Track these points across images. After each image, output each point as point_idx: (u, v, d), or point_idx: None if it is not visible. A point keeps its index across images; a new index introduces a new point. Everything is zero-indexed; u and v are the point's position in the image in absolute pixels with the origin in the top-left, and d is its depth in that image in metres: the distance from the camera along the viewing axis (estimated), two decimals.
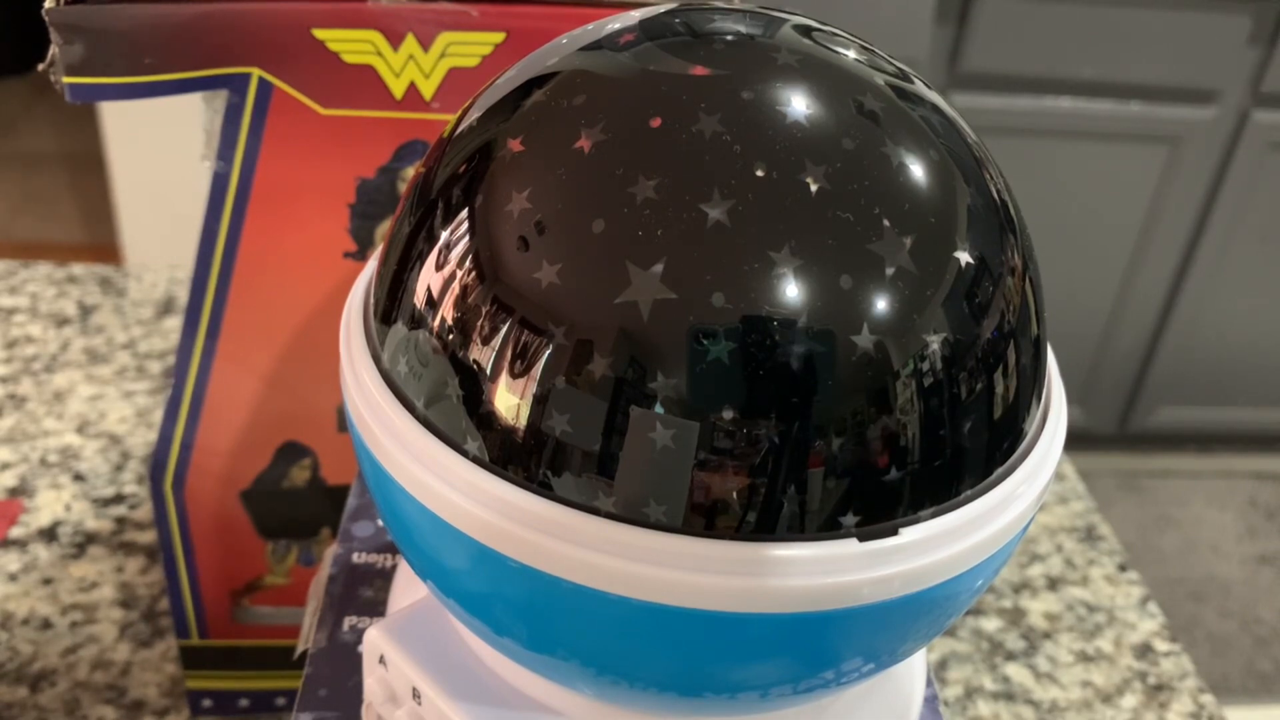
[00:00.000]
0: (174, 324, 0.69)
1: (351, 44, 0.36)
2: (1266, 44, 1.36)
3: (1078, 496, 0.61)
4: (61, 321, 0.68)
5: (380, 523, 0.37)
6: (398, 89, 0.37)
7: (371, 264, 0.27)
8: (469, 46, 0.36)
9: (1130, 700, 0.49)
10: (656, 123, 0.21)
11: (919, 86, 0.24)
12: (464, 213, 0.23)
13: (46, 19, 0.34)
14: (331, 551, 0.36)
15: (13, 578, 0.51)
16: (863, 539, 0.21)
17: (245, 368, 0.40)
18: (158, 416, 0.61)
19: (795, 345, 0.20)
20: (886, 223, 0.21)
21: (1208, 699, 0.50)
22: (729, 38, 0.23)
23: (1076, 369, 1.57)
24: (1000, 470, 0.23)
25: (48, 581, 0.51)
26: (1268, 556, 1.52)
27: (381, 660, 0.28)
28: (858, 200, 0.21)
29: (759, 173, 0.21)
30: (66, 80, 0.35)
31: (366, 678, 0.29)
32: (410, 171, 0.38)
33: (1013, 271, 0.23)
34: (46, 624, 0.49)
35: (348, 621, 0.34)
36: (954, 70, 1.34)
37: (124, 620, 0.49)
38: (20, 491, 0.55)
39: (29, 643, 0.48)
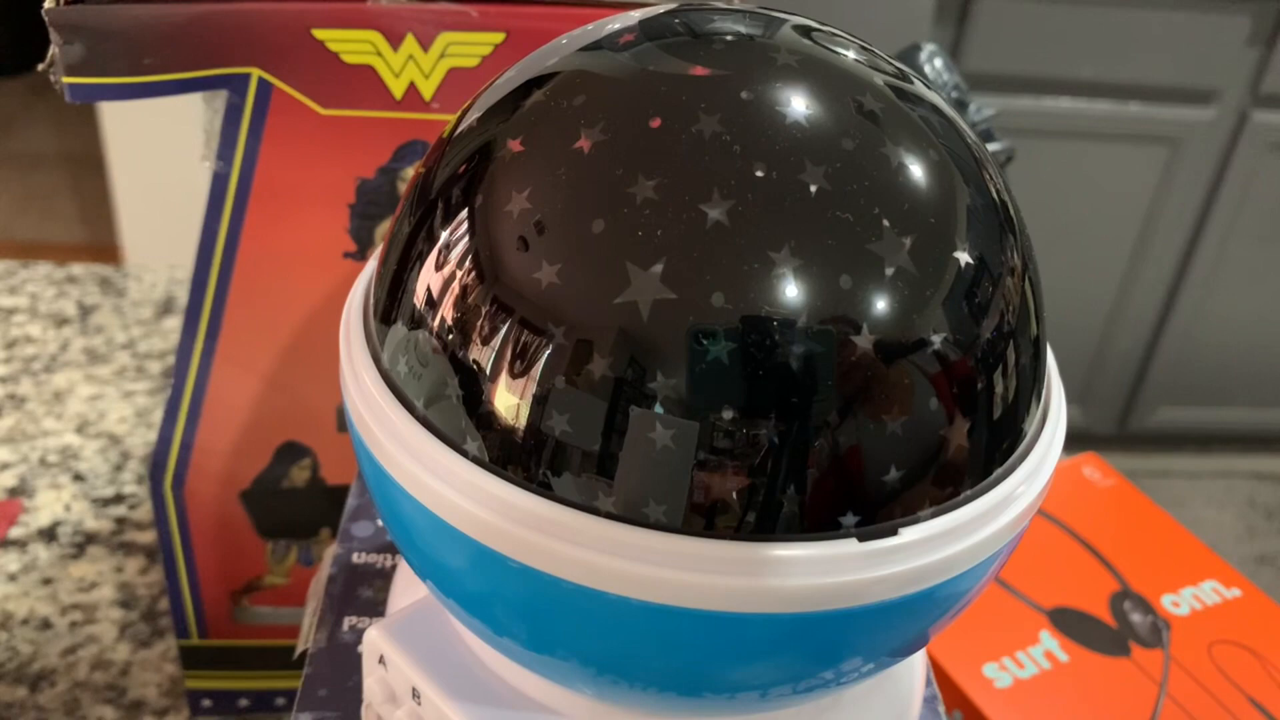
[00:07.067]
0: (174, 324, 0.69)
1: (351, 44, 0.36)
2: (1266, 44, 1.36)
3: None
4: (61, 321, 0.68)
5: (380, 523, 0.37)
6: (397, 89, 0.37)
7: (371, 264, 0.27)
8: (469, 46, 0.36)
9: None
10: (656, 123, 0.21)
11: (919, 86, 0.24)
12: (464, 213, 0.23)
13: (46, 19, 0.34)
14: (331, 551, 0.36)
15: (12, 578, 0.51)
16: (862, 539, 0.21)
17: (245, 368, 0.40)
18: (157, 416, 0.61)
19: (795, 345, 0.20)
20: (886, 223, 0.21)
21: None
22: (729, 38, 0.23)
23: (1076, 369, 1.57)
24: (1000, 470, 0.23)
25: (47, 581, 0.51)
26: (1267, 557, 1.52)
27: (381, 660, 0.28)
28: (857, 200, 0.21)
29: (759, 173, 0.21)
30: (66, 80, 0.35)
31: (366, 678, 0.29)
32: (410, 171, 0.38)
33: (1012, 271, 0.23)
34: (46, 624, 0.49)
35: (347, 621, 0.34)
36: None
37: (124, 620, 0.49)
38: (20, 491, 0.55)
39: (29, 643, 0.48)
